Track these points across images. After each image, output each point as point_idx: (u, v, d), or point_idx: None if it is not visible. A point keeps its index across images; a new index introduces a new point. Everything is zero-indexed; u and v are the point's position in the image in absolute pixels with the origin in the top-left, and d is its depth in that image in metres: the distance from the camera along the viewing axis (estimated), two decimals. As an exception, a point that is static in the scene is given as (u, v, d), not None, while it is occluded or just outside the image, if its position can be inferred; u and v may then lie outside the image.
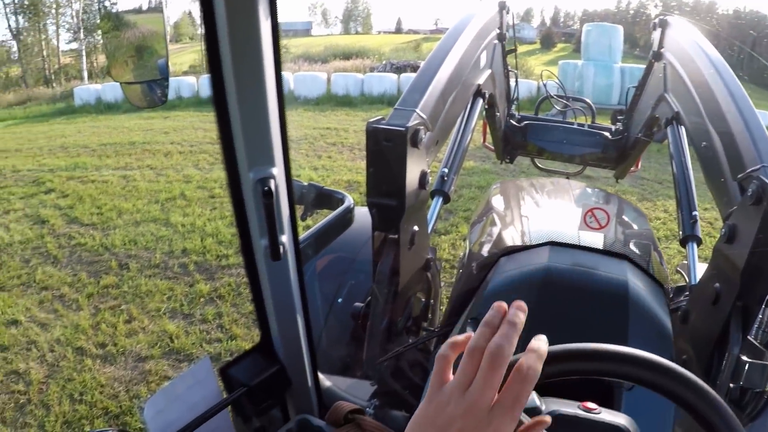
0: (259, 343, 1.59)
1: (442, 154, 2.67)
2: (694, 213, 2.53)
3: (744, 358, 1.88)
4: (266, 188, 1.32)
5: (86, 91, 24.77)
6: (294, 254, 1.51)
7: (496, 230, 2.87)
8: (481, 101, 3.01)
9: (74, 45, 42.96)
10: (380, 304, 2.13)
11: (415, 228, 2.18)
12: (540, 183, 3.70)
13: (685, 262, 2.51)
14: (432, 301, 2.58)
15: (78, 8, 42.22)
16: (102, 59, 43.47)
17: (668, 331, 2.04)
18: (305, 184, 2.41)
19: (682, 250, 2.50)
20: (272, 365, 1.59)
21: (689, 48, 2.95)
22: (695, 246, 2.44)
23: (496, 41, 3.49)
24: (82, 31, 42.06)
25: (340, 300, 2.73)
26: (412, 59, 29.89)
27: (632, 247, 2.55)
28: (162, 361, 4.90)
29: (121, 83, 1.53)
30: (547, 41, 39.58)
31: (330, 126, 15.45)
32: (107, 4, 1.55)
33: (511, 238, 2.66)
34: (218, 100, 1.21)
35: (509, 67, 3.96)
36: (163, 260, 6.88)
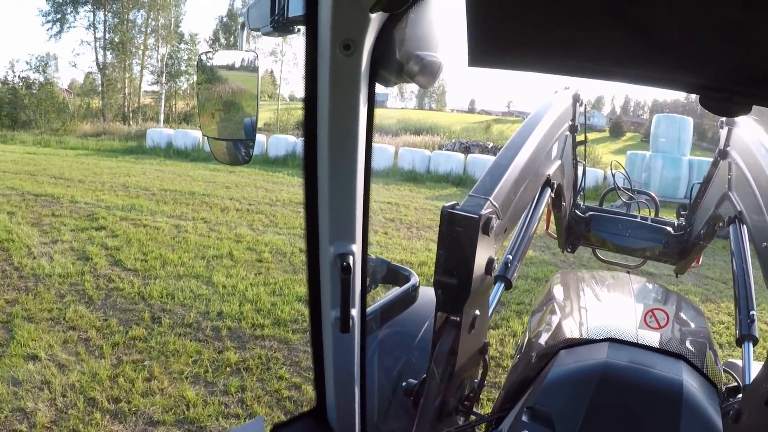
0: (313, 408, 1.63)
1: (507, 241, 2.68)
2: (752, 312, 2.58)
3: None
4: (345, 264, 1.39)
5: (159, 134, 25.76)
6: (360, 327, 1.56)
7: (555, 321, 2.92)
8: (549, 191, 3.10)
9: (155, 87, 45.15)
10: (435, 384, 2.17)
11: (477, 312, 2.24)
12: (601, 276, 3.71)
13: (732, 360, 2.66)
14: (484, 384, 2.64)
15: (164, 53, 44.37)
16: (180, 105, 45.37)
17: (717, 428, 2.09)
18: (374, 257, 2.46)
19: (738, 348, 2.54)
20: None
21: (754, 147, 3.07)
22: (751, 346, 2.50)
23: (568, 132, 3.59)
24: (164, 75, 44.10)
25: (395, 375, 2.76)
26: (481, 140, 30.21)
27: (688, 345, 2.56)
28: (173, 430, 4.63)
29: (208, 137, 1.65)
30: (616, 130, 40.12)
31: (392, 200, 15.54)
32: (204, 57, 1.69)
33: (571, 330, 2.70)
34: (309, 171, 1.27)
35: (578, 158, 4.06)
36: (196, 320, 6.71)
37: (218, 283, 7.97)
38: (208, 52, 1.71)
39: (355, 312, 1.50)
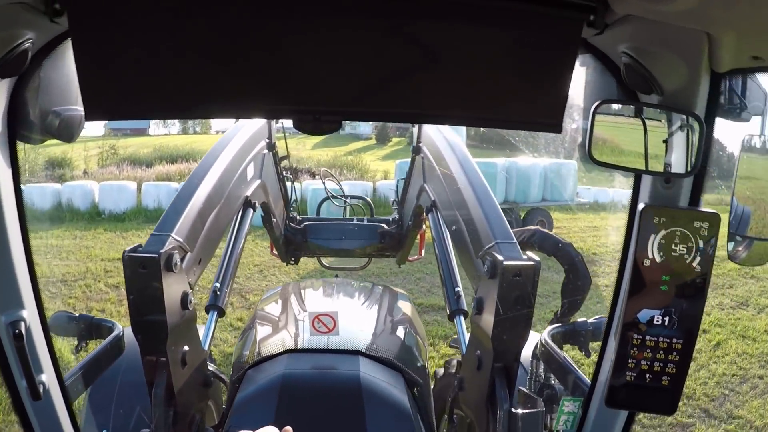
0: None
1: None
2: (457, 289, 2.75)
3: (516, 411, 2.18)
4: (17, 331, 1.40)
5: None
6: (60, 391, 1.58)
7: (250, 340, 2.94)
8: (251, 211, 3.17)
9: None
10: (163, 427, 2.16)
11: (186, 348, 2.24)
12: (306, 285, 3.83)
13: (456, 336, 2.73)
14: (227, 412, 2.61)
15: None
16: None
17: (406, 412, 2.30)
18: (76, 315, 2.52)
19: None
20: None
21: (439, 142, 3.31)
22: (462, 319, 2.64)
23: (266, 151, 3.71)
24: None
25: (132, 427, 2.66)
26: None
27: (370, 339, 2.72)
28: None
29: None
30: (382, 137, 39.12)
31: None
32: None
33: (258, 348, 2.73)
34: None
35: (284, 173, 4.21)
36: None
37: None
38: None
39: (46, 377, 1.51)
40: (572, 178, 18.50)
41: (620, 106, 1.64)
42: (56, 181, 19.74)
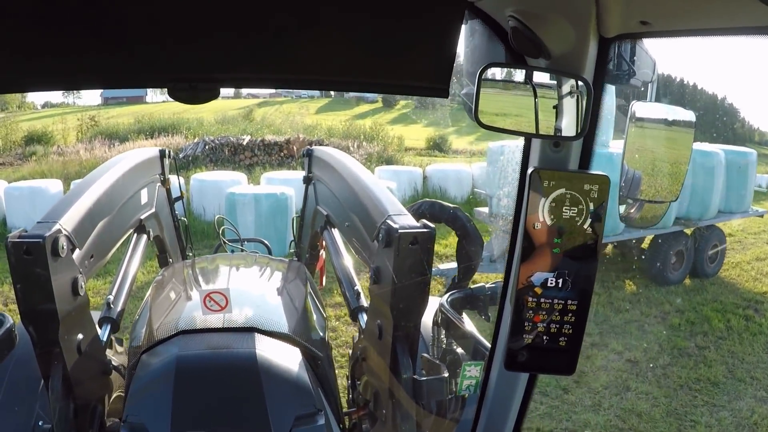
0: None
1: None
2: (356, 288, 2.94)
3: (419, 378, 2.26)
4: None
5: None
6: None
7: (144, 323, 2.90)
8: (144, 238, 3.26)
9: None
10: (63, 421, 2.13)
11: (80, 336, 2.22)
12: (200, 263, 3.79)
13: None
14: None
15: None
16: None
17: (306, 387, 2.33)
18: None
19: None
20: None
21: (330, 161, 3.54)
22: (364, 315, 2.74)
23: (159, 184, 3.81)
24: None
25: (33, 422, 2.52)
26: (235, 132, 22.64)
27: (267, 315, 2.71)
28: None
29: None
30: (388, 100, 40.29)
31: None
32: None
33: (151, 331, 2.70)
34: None
35: (178, 216, 4.27)
36: None
37: None
38: None
39: None
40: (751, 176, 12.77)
41: (512, 71, 1.67)
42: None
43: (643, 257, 11.13)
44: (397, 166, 17.78)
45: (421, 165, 18.04)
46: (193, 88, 1.41)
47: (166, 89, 1.46)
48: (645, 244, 11.46)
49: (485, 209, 11.11)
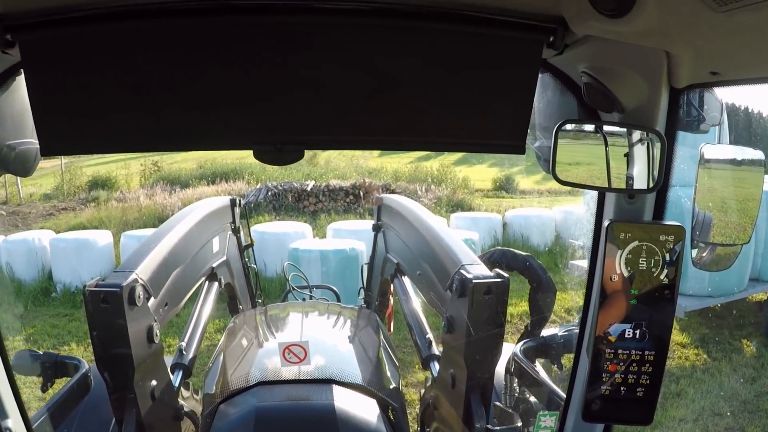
0: None
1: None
2: (428, 336, 2.87)
3: (493, 427, 2.24)
4: None
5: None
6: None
7: (218, 372, 2.91)
8: (216, 285, 3.30)
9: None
10: None
11: (154, 383, 2.26)
12: (272, 310, 3.78)
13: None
14: None
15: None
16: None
17: None
18: (40, 353, 2.52)
19: None
20: None
21: (400, 209, 3.53)
22: (436, 364, 2.70)
23: (230, 232, 3.86)
24: None
25: None
26: (299, 179, 20.39)
27: (343, 367, 2.69)
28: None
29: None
30: None
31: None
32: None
33: (228, 381, 2.70)
34: None
35: (248, 263, 4.30)
36: None
37: None
38: None
39: (12, 423, 1.54)
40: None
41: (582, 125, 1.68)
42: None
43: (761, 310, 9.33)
44: (473, 213, 16.58)
45: (498, 210, 16.79)
46: (279, 150, 1.45)
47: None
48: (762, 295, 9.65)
49: (583, 263, 9.22)
